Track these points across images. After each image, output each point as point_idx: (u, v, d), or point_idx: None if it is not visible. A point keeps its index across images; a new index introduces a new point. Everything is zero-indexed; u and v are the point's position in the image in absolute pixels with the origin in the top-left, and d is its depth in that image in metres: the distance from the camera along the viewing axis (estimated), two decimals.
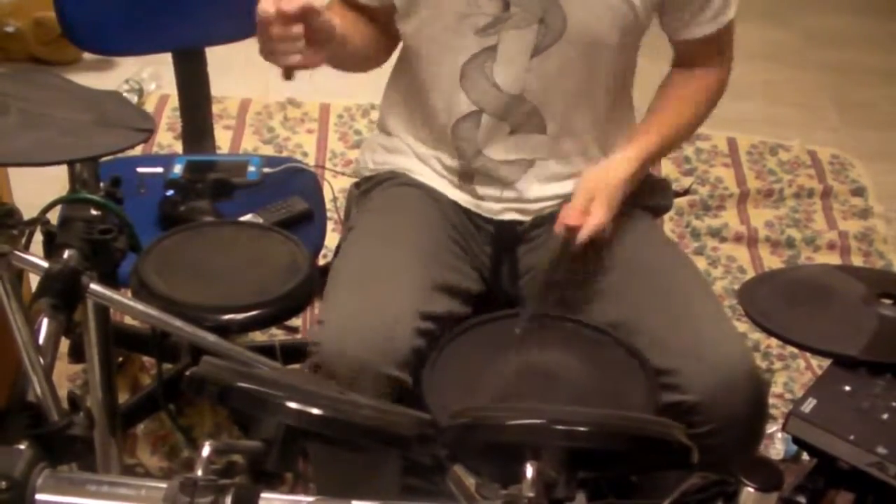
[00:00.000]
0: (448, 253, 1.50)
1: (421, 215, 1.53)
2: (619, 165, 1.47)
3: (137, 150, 2.14)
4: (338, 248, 1.58)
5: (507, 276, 1.56)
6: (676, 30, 1.52)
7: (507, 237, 1.55)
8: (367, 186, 1.62)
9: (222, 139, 2.87)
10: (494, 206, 1.54)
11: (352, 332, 1.31)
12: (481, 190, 1.54)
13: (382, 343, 1.31)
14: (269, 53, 1.33)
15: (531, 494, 0.83)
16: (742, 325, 1.90)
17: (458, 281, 1.48)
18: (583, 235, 1.40)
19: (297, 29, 1.30)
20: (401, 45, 1.57)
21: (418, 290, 1.39)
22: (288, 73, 1.35)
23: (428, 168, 1.57)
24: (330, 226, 1.90)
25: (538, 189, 1.53)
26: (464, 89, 1.47)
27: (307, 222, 1.80)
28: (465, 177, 1.54)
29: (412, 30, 1.49)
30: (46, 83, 1.34)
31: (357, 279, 1.41)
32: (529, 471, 0.84)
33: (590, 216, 1.40)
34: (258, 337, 2.17)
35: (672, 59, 1.60)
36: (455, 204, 1.55)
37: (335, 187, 2.49)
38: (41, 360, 1.06)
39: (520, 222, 1.55)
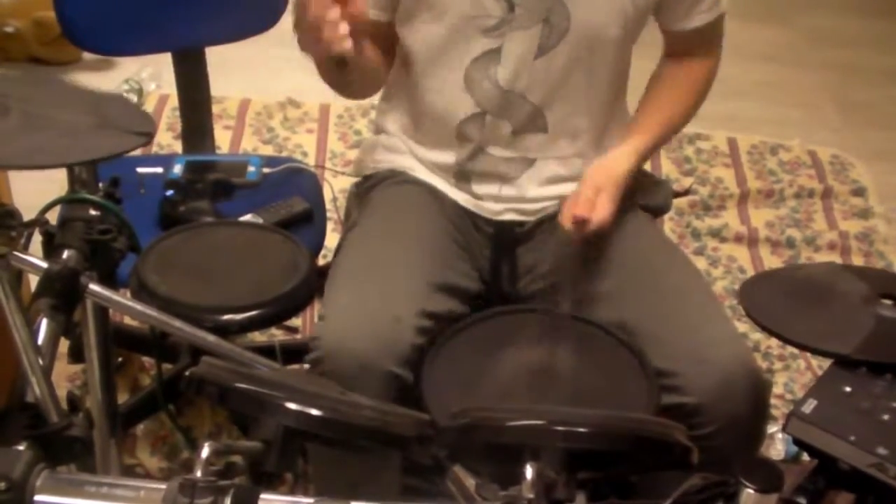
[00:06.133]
0: (448, 252, 1.50)
1: (422, 213, 1.53)
2: (620, 159, 1.49)
3: (137, 151, 2.14)
4: (338, 248, 1.58)
5: (507, 277, 1.56)
6: (672, 21, 1.52)
7: (506, 238, 1.55)
8: (368, 185, 1.61)
9: (222, 139, 2.87)
10: (494, 206, 1.54)
11: (353, 329, 1.31)
12: (478, 189, 1.54)
13: (384, 340, 1.30)
14: (314, 42, 1.28)
15: (531, 495, 0.83)
16: (742, 326, 1.90)
17: (459, 280, 1.47)
18: (590, 228, 1.41)
19: (335, 13, 1.25)
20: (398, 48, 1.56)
21: (420, 288, 1.39)
22: (340, 62, 1.32)
23: (426, 168, 1.57)
24: (330, 226, 1.90)
25: (537, 189, 1.53)
26: (469, 91, 1.46)
27: (307, 222, 1.79)
28: (462, 176, 1.54)
29: (415, 32, 1.49)
30: (48, 83, 1.34)
31: (358, 276, 1.41)
32: (529, 471, 0.84)
33: (597, 209, 1.42)
34: (258, 337, 2.17)
35: (664, 50, 1.60)
36: (455, 203, 1.55)
37: (335, 187, 2.49)
38: (40, 360, 1.05)
39: (519, 223, 1.55)
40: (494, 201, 1.54)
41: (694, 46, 1.57)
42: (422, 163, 1.57)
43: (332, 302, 1.38)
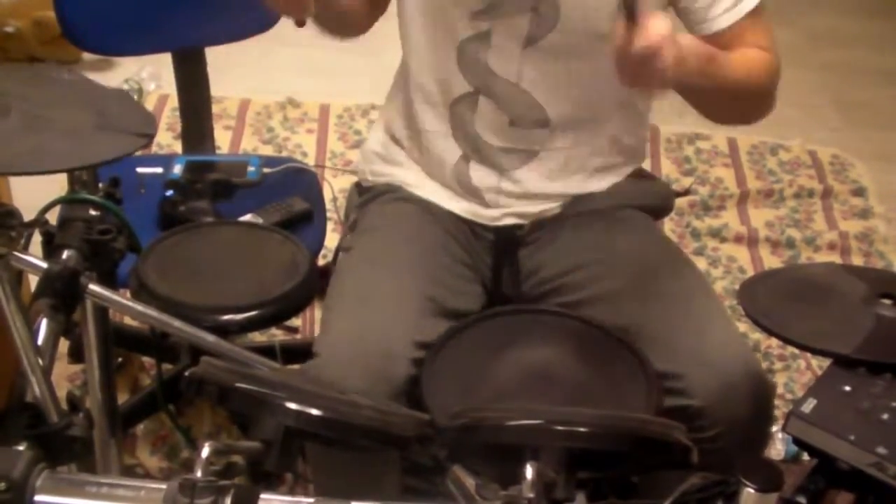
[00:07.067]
0: (447, 271, 1.48)
1: (418, 233, 1.50)
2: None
3: (137, 151, 2.14)
4: (337, 249, 1.57)
5: (509, 281, 1.54)
6: (692, 23, 1.42)
7: (507, 242, 1.53)
8: (366, 197, 1.59)
9: (222, 139, 2.87)
10: (493, 212, 1.53)
11: (346, 366, 1.29)
12: (478, 181, 1.51)
13: (378, 377, 1.29)
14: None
15: (531, 495, 0.83)
16: (742, 326, 1.89)
17: (458, 300, 1.45)
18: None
19: None
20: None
21: (414, 318, 1.37)
22: (300, 21, 1.29)
23: (423, 176, 1.55)
24: (330, 226, 1.90)
25: (541, 184, 1.51)
26: (461, 69, 1.45)
27: (307, 222, 1.79)
28: (461, 172, 1.51)
29: (409, 9, 1.47)
30: (51, 79, 1.33)
31: (351, 310, 1.38)
32: (529, 471, 0.84)
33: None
34: (258, 337, 2.17)
35: None
36: (453, 215, 1.53)
37: (335, 187, 2.49)
38: (40, 360, 1.06)
39: (519, 226, 1.53)
40: (495, 193, 1.51)
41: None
42: (419, 166, 1.56)
43: (324, 338, 1.36)
